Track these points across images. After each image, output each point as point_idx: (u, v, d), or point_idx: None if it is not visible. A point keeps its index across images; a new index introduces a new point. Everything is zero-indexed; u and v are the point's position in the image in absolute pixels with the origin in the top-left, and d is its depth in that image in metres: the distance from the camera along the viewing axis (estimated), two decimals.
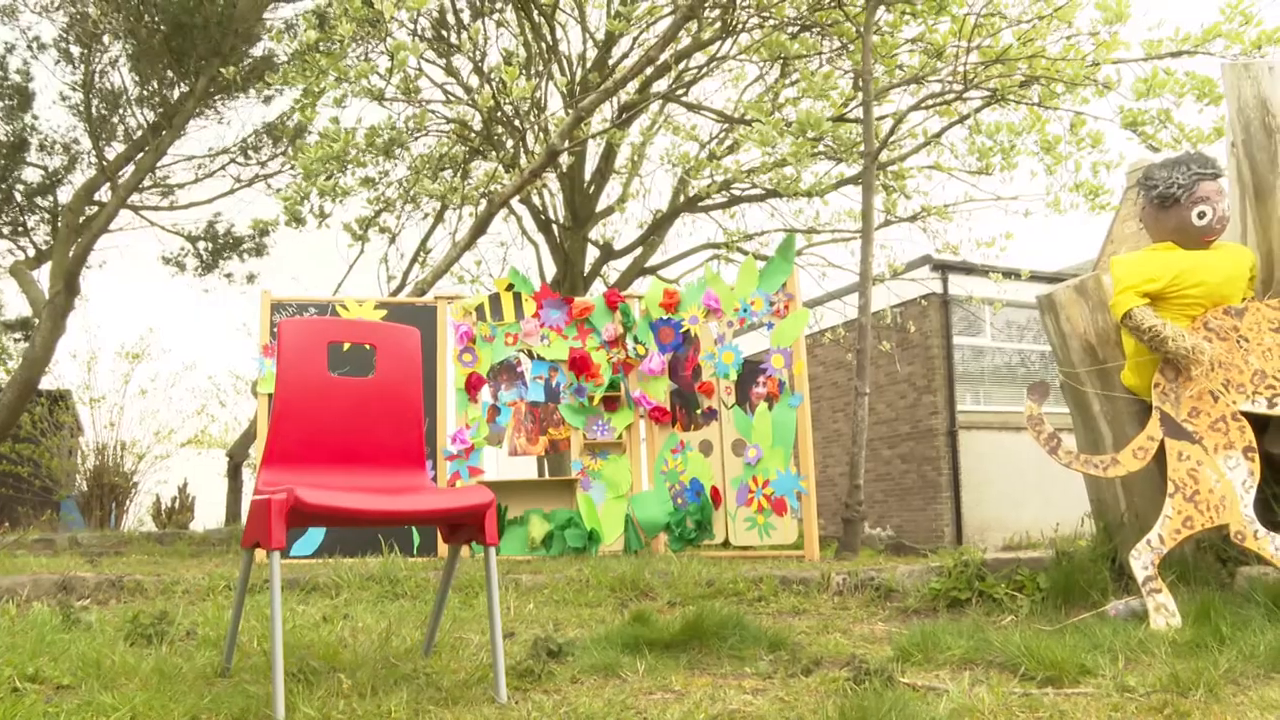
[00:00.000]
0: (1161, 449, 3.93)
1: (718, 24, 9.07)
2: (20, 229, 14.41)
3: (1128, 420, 4.24)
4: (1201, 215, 4.01)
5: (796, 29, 9.19)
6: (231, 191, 14.93)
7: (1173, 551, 3.88)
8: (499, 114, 10.85)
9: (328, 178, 10.80)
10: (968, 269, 13.37)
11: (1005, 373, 15.62)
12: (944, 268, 14.03)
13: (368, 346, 2.98)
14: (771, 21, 8.96)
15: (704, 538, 6.64)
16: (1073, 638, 3.31)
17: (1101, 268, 17.92)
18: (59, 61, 13.26)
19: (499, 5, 11.82)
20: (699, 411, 6.86)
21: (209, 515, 14.19)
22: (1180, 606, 3.65)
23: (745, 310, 6.84)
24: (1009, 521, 13.25)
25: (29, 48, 13.30)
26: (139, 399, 19.47)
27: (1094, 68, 8.29)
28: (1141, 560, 3.76)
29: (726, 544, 6.67)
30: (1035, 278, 12.88)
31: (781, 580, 4.80)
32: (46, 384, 13.35)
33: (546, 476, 11.26)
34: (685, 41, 9.00)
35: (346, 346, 5.82)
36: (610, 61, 11.86)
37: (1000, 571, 4.39)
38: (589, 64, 11.97)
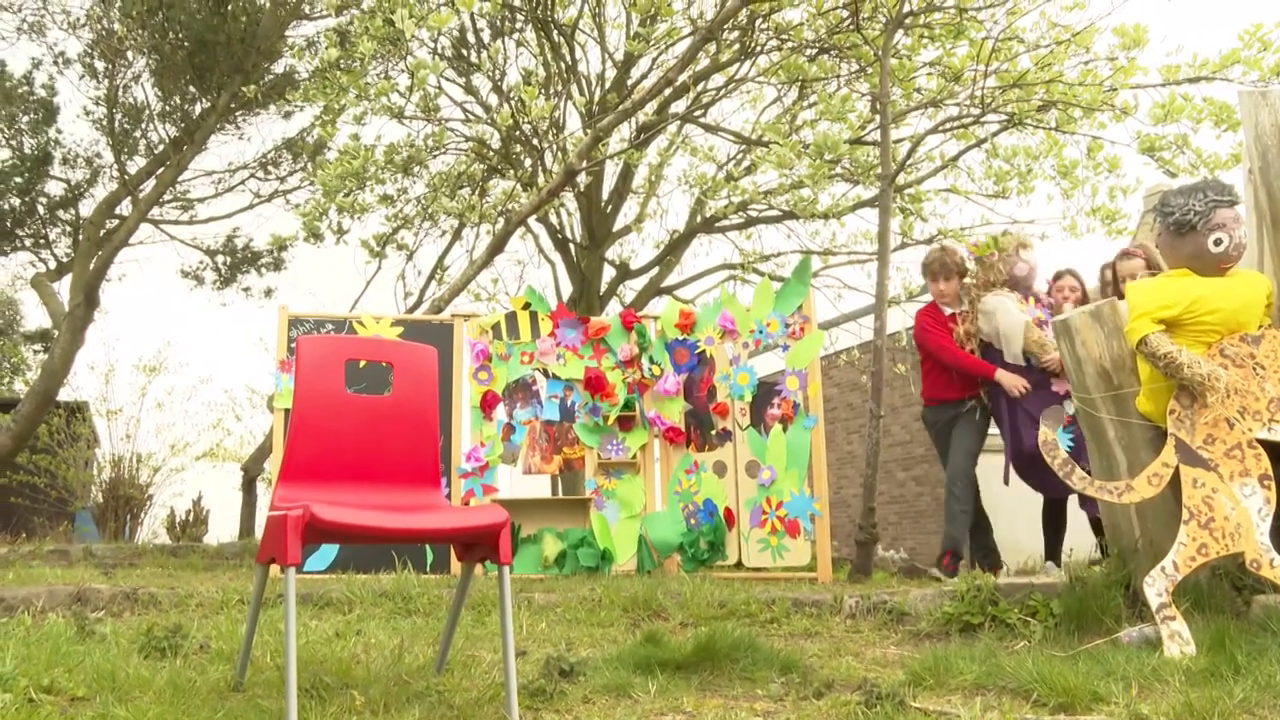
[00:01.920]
0: (1176, 476, 3.92)
1: (736, 46, 9.11)
2: (42, 241, 14.52)
3: (1143, 446, 4.23)
4: (1218, 242, 4.01)
5: (815, 52, 9.21)
6: (251, 206, 15.02)
7: (1187, 579, 3.87)
8: (518, 133, 10.90)
9: (347, 194, 10.87)
10: None
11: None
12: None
13: (385, 364, 3.01)
14: (790, 44, 8.98)
15: (717, 559, 6.64)
16: (1086, 664, 3.30)
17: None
18: (83, 76, 13.39)
19: (519, 25, 11.90)
20: (713, 432, 6.87)
21: (223, 529, 14.22)
22: (1195, 634, 3.64)
23: (761, 332, 6.85)
24: (1024, 545, 13.09)
25: (55, 63, 13.43)
26: (156, 412, 19.50)
27: (1112, 93, 8.28)
28: (1156, 587, 3.75)
29: (739, 565, 6.66)
30: None
31: (794, 602, 4.79)
32: (64, 396, 13.42)
33: (560, 495, 11.26)
34: (704, 63, 9.03)
35: (363, 363, 5.85)
36: (629, 82, 11.91)
37: (1013, 596, 4.38)
38: (608, 84, 12.02)
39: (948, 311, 6.51)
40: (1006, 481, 6.36)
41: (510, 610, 2.68)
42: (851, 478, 15.51)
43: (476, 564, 2.89)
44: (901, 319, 13.29)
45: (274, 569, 2.88)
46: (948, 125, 9.16)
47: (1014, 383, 6.08)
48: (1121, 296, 5.66)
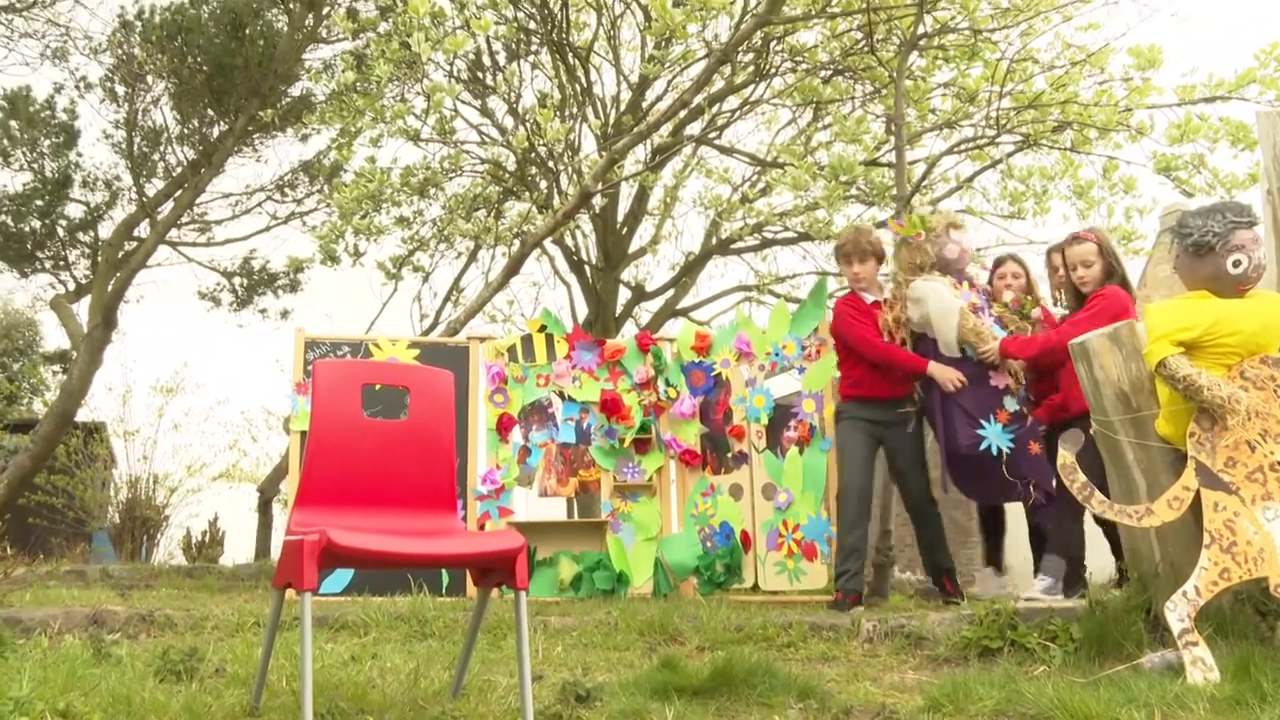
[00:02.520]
0: (1197, 499, 3.89)
1: (751, 68, 9.14)
2: (61, 263, 14.61)
3: (1162, 469, 4.20)
4: (1237, 264, 3.99)
5: (829, 74, 9.24)
6: (268, 229, 15.10)
7: (1210, 604, 3.83)
8: (533, 155, 10.94)
9: (363, 216, 10.92)
10: None
11: None
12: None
13: (401, 389, 3.01)
14: (804, 66, 9.01)
15: (733, 582, 6.61)
16: (1107, 690, 3.27)
17: (1135, 313, 17.78)
18: (104, 100, 13.51)
19: (534, 47, 11.96)
20: (730, 455, 6.85)
21: (239, 550, 14.24)
22: (1218, 661, 3.60)
23: (776, 354, 6.84)
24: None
25: (76, 87, 13.56)
26: (172, 433, 19.57)
27: (1127, 113, 8.28)
28: (1177, 612, 3.71)
29: (756, 588, 6.63)
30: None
31: (811, 626, 4.76)
32: (82, 416, 13.48)
33: (576, 518, 11.25)
34: (719, 85, 9.06)
35: (379, 387, 5.86)
36: (644, 104, 11.95)
37: (1033, 620, 4.34)
38: (623, 106, 12.07)
39: (869, 299, 5.89)
40: (945, 489, 5.94)
41: (527, 636, 2.68)
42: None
43: (493, 589, 2.88)
44: None
45: (290, 592, 2.88)
46: (963, 146, 9.16)
47: (948, 376, 5.53)
48: (1071, 283, 5.58)
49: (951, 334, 5.52)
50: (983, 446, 5.46)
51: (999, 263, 6.15)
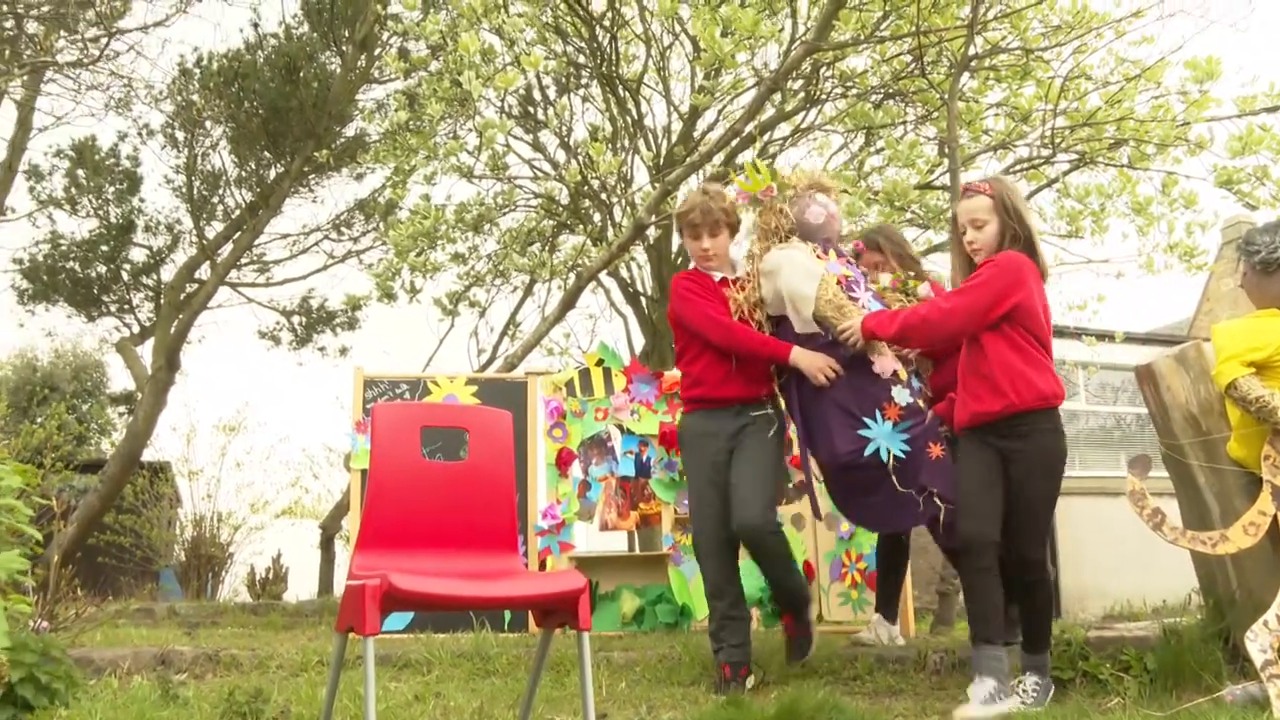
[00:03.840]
0: (1275, 524, 3.78)
1: (801, 95, 9.13)
2: (126, 306, 14.94)
3: (1236, 494, 4.09)
4: None
5: (880, 98, 9.20)
6: (325, 267, 15.33)
7: None
8: (586, 188, 11.00)
9: (419, 254, 11.03)
10: (1058, 332, 13.11)
11: (1100, 436, 15.21)
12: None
13: (460, 430, 3.02)
14: (855, 91, 8.98)
15: None
16: None
17: (1198, 329, 17.46)
18: (165, 146, 13.85)
19: (584, 81, 12.04)
20: (790, 485, 6.79)
21: (302, 586, 14.37)
22: None
23: None
24: (1109, 590, 12.80)
25: (139, 135, 13.90)
26: (235, 471, 19.84)
27: (1185, 127, 8.15)
28: (1259, 643, 3.60)
29: (820, 619, 6.54)
30: (1130, 339, 12.59)
31: (877, 658, 4.69)
32: (148, 456, 13.72)
33: (637, 551, 11.21)
34: (769, 113, 9.06)
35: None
36: (695, 134, 11.97)
37: (1104, 650, 4.24)
38: (674, 137, 12.09)
39: (718, 277, 4.61)
40: (818, 515, 5.05)
41: (590, 676, 2.66)
42: None
43: (556, 628, 2.87)
44: None
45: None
46: (1018, 167, 9.07)
47: (818, 364, 4.24)
48: (964, 246, 4.13)
49: (808, 306, 4.26)
50: (869, 451, 4.17)
51: (857, 255, 4.90)
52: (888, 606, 5.27)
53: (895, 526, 4.78)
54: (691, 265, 4.74)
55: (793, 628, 4.62)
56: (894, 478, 4.15)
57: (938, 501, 4.19)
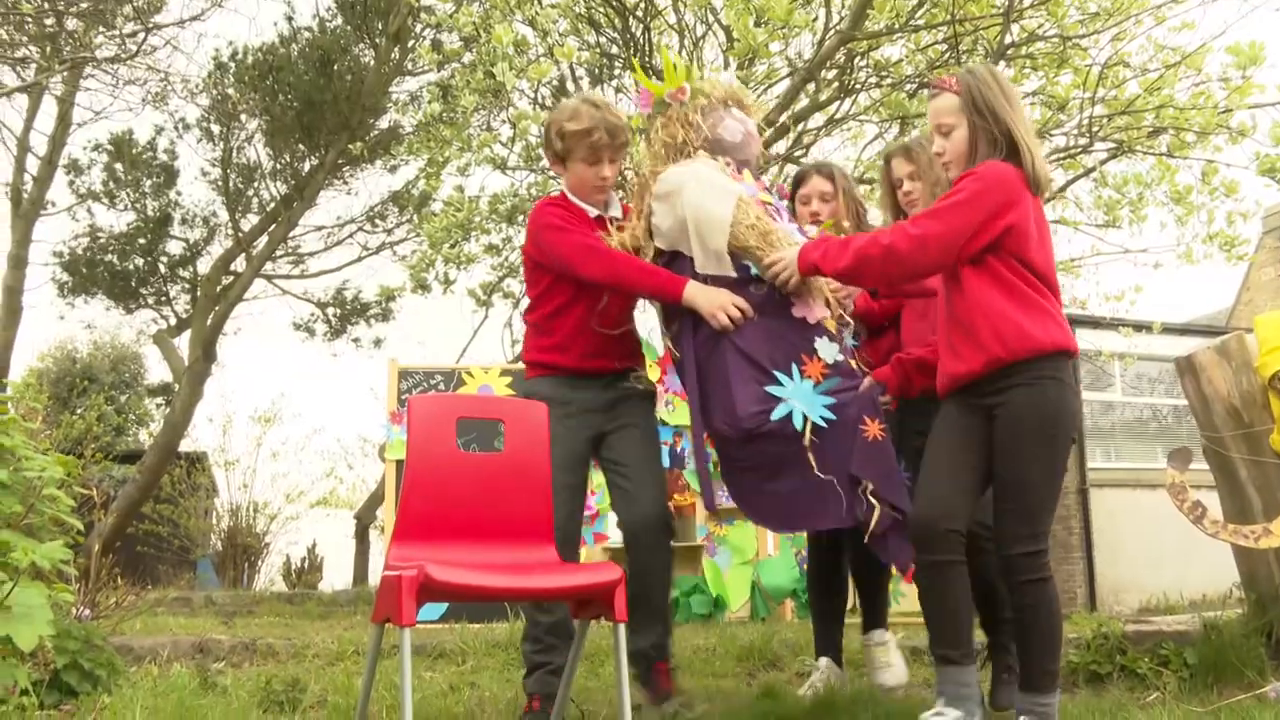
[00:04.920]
0: None
1: (835, 85, 9.07)
2: (163, 299, 15.10)
3: (1279, 487, 4.04)
4: None
5: (915, 87, 9.13)
6: (359, 259, 15.43)
7: None
8: (620, 179, 10.98)
9: (453, 245, 11.05)
10: (1094, 323, 12.98)
11: (1137, 427, 15.05)
12: (1071, 322, 13.63)
13: (496, 421, 3.03)
14: (889, 80, 8.92)
15: None
16: None
17: (1238, 319, 17.24)
18: (201, 140, 13.97)
19: (617, 71, 12.02)
20: None
21: (337, 575, 14.52)
22: None
23: None
24: (1146, 583, 12.68)
25: (175, 128, 14.03)
26: (271, 461, 20.05)
27: (1227, 114, 8.03)
28: None
29: (854, 610, 6.53)
30: (1168, 330, 12.43)
31: (912, 650, 4.67)
32: (185, 447, 13.88)
33: (671, 542, 11.23)
34: (803, 103, 9.00)
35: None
36: None
37: (1143, 645, 4.19)
38: None
39: (592, 212, 3.57)
40: (711, 506, 3.91)
41: (625, 667, 2.66)
42: None
43: (591, 619, 2.88)
44: None
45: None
46: (1055, 156, 8.97)
47: (718, 302, 3.20)
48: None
49: (721, 235, 3.22)
50: (778, 414, 3.14)
51: (799, 180, 4.05)
52: (827, 642, 3.94)
53: (807, 525, 3.59)
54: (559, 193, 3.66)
55: (666, 675, 3.48)
56: (810, 455, 3.11)
57: (870, 500, 3.10)
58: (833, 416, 3.12)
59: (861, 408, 3.16)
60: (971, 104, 2.99)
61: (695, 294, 3.23)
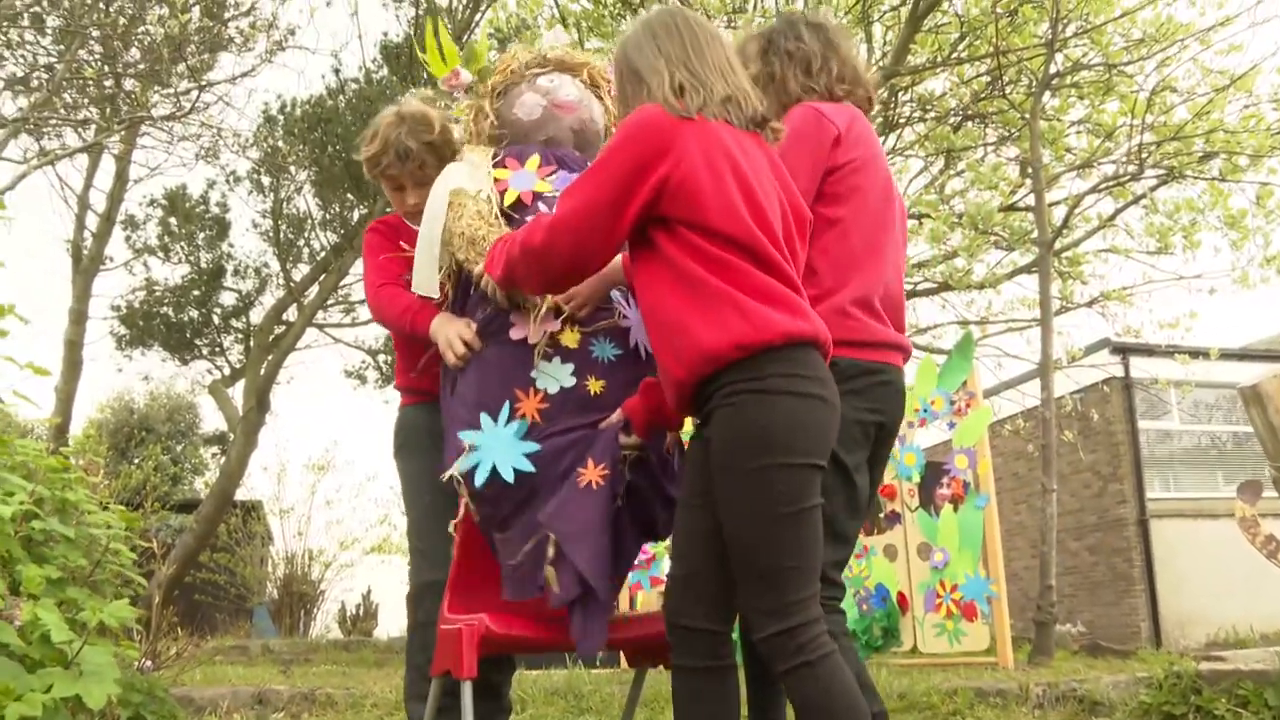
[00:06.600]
0: None
1: (879, 119, 9.06)
2: (217, 349, 15.29)
3: None
4: None
5: (959, 119, 9.10)
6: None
7: None
8: None
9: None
10: (1149, 351, 12.79)
11: (1196, 455, 14.75)
12: (1124, 351, 13.44)
13: None
14: (933, 114, 8.90)
15: (892, 645, 6.43)
16: None
17: None
18: (251, 192, 14.16)
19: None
20: (882, 515, 6.69)
21: (392, 622, 14.53)
22: None
23: (925, 410, 6.68)
24: (1212, 616, 12.39)
25: (227, 181, 14.27)
26: (325, 509, 20.16)
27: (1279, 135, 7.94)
28: None
29: (915, 651, 6.43)
30: (1225, 355, 12.20)
31: (977, 692, 4.58)
32: (240, 495, 14.00)
33: None
34: None
35: None
36: None
37: (1219, 684, 4.08)
38: None
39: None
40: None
41: None
42: (1021, 549, 14.93)
43: (649, 667, 2.85)
44: (1065, 383, 12.84)
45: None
46: (1104, 184, 8.89)
47: (447, 335, 2.58)
48: None
49: (428, 249, 2.66)
50: (462, 468, 2.48)
51: None
52: None
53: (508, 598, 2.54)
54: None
55: None
56: (479, 510, 2.54)
57: (550, 555, 2.42)
58: (529, 469, 2.42)
59: (586, 450, 2.46)
60: (618, 78, 2.38)
61: (435, 328, 2.65)
